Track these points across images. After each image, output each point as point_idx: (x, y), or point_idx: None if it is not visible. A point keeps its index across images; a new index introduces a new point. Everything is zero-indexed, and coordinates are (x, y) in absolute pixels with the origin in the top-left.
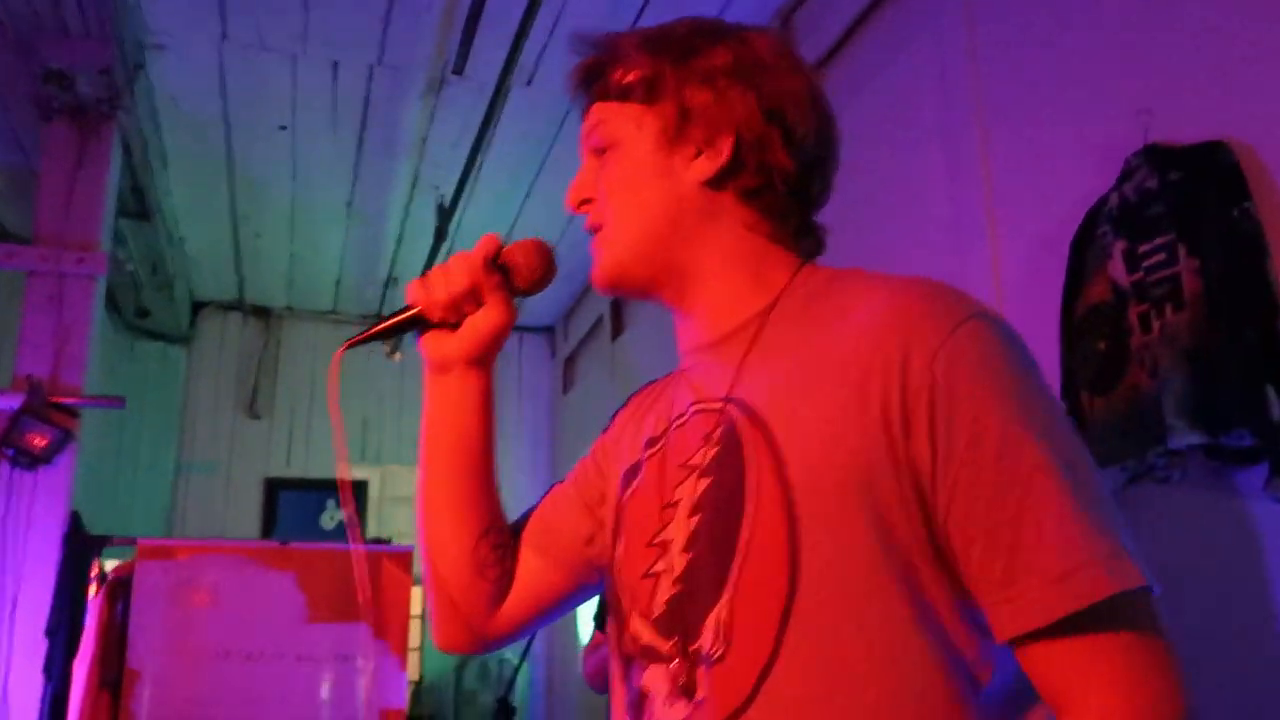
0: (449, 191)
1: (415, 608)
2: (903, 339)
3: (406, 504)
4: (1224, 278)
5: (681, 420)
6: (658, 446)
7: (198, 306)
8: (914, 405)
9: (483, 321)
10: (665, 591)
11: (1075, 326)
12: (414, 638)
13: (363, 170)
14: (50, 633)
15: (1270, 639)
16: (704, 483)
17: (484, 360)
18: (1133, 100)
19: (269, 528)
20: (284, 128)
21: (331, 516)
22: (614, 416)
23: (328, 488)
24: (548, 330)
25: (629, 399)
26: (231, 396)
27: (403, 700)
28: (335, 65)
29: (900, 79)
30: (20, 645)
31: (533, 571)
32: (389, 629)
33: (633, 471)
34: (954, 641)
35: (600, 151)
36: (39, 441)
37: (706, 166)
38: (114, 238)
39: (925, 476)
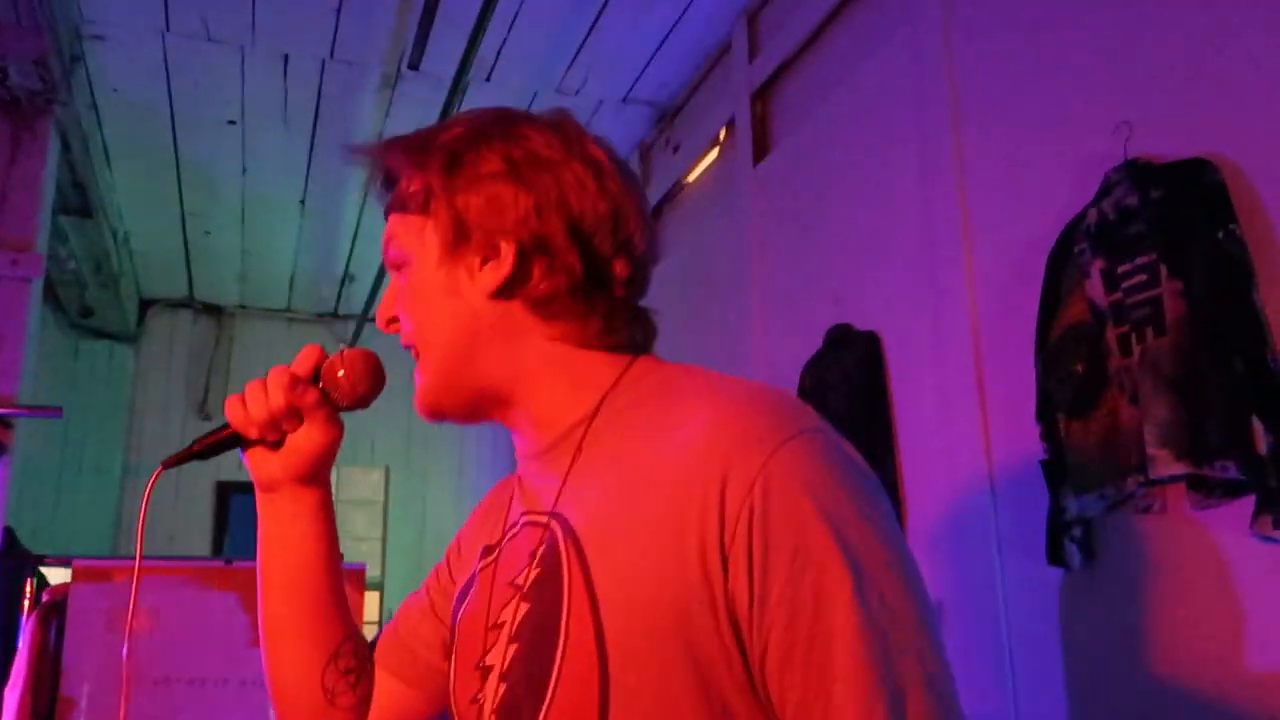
0: None
1: (370, 615)
2: (721, 466)
3: (364, 507)
4: (1208, 303)
5: (514, 531)
6: (492, 558)
7: (146, 304)
8: (731, 539)
9: (305, 441)
10: None
11: (1051, 347)
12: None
13: (316, 166)
14: None
15: (1247, 677)
16: (524, 607)
17: (313, 478)
18: (1113, 111)
19: (220, 534)
20: (233, 122)
21: None
22: (476, 508)
23: None
24: None
25: (485, 495)
26: (182, 397)
27: None
28: (285, 58)
29: (871, 81)
30: None
31: (391, 695)
32: None
33: (468, 584)
34: None
35: (397, 268)
36: None
37: (490, 278)
38: (55, 235)
39: (743, 617)
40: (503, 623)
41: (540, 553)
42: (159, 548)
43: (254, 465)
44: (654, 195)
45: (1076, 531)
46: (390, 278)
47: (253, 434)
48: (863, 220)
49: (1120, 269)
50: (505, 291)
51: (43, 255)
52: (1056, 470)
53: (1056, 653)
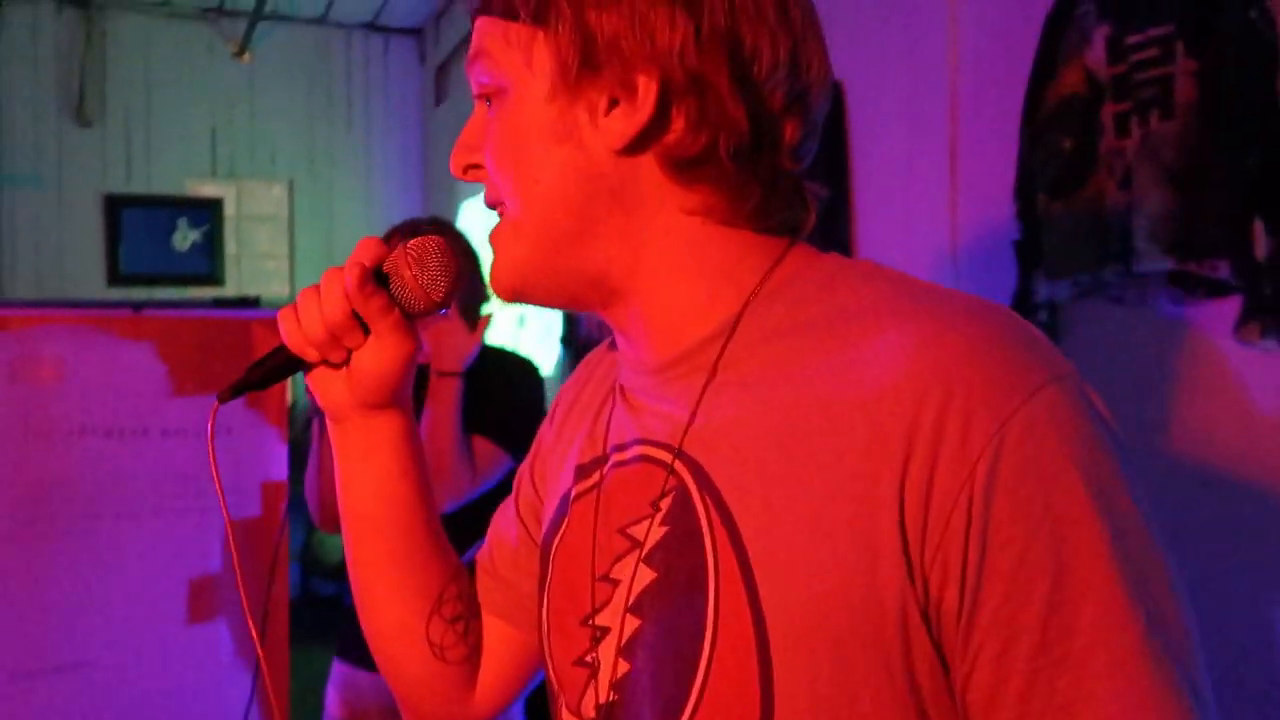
0: None
1: None
2: (930, 430)
3: (267, 222)
4: (1227, 88)
5: (622, 457)
6: (590, 483)
7: None
8: (938, 532)
9: (371, 359)
10: (600, 693)
11: (1040, 120)
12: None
13: None
14: None
15: (1191, 478)
16: (648, 575)
17: (389, 403)
18: None
19: (114, 250)
20: None
21: (184, 237)
22: (556, 401)
23: (177, 205)
24: (415, 33)
25: (574, 373)
26: (54, 100)
27: (283, 471)
28: None
29: None
30: None
31: (503, 640)
32: (263, 398)
33: (562, 509)
34: None
35: (487, 96)
36: None
37: (620, 125)
38: None
39: (950, 631)
40: (617, 581)
41: (667, 507)
42: (48, 268)
43: (318, 390)
44: None
45: (1042, 316)
46: (474, 112)
47: (312, 356)
48: None
49: (1129, 39)
50: (638, 145)
51: None
52: (1030, 252)
53: None
